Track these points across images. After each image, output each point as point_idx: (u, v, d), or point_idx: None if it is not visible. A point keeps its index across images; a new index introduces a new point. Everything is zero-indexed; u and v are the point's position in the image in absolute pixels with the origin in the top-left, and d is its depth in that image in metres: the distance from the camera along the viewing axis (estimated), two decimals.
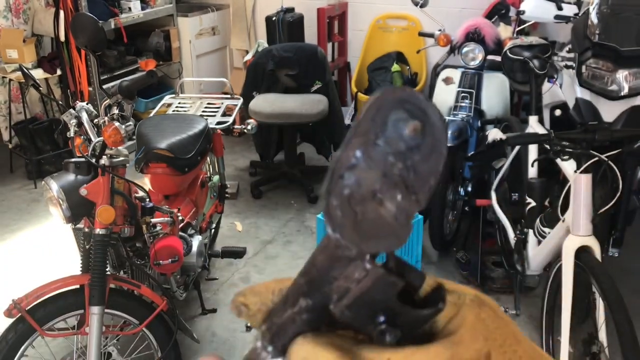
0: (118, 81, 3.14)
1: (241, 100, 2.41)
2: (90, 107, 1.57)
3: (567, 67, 2.01)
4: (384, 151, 0.22)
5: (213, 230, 2.34)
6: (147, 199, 1.66)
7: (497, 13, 2.90)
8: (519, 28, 2.67)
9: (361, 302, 0.22)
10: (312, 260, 0.24)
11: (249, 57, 3.43)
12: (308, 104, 2.90)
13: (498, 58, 2.33)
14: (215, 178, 2.34)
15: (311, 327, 0.24)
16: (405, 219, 0.22)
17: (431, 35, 2.56)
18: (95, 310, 1.46)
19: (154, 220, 1.69)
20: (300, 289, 0.24)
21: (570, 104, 1.98)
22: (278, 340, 0.24)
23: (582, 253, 1.53)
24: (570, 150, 1.56)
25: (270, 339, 0.25)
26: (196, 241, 1.90)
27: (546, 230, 1.78)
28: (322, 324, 0.24)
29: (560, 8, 2.34)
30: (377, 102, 0.22)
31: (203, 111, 2.31)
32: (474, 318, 0.23)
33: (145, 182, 1.94)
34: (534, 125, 1.96)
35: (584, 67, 1.89)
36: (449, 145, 2.25)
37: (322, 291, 0.23)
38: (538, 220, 1.84)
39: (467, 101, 2.39)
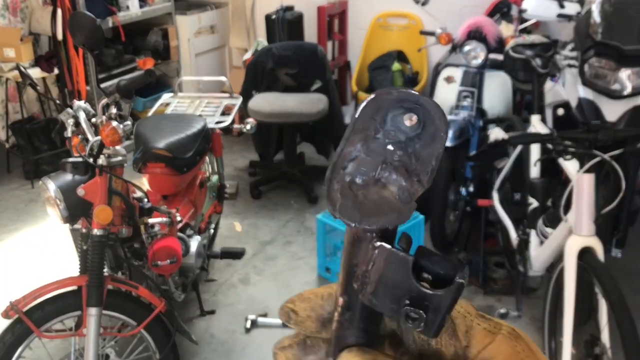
0: (116, 80, 3.14)
1: (240, 99, 2.39)
2: (87, 106, 1.56)
3: (569, 66, 2.00)
4: (384, 142, 0.23)
5: (212, 231, 2.32)
6: (145, 199, 1.64)
7: (499, 11, 2.89)
8: (521, 26, 2.66)
9: (382, 285, 0.23)
10: (343, 256, 0.25)
11: (248, 55, 3.41)
12: (308, 103, 2.89)
13: (500, 57, 2.32)
14: (214, 178, 2.32)
15: (355, 327, 0.25)
16: (407, 197, 0.23)
17: (432, 34, 2.54)
18: (92, 311, 1.44)
19: (152, 220, 1.68)
20: (339, 287, 0.25)
21: (573, 103, 1.97)
22: (332, 349, 0.26)
23: (585, 253, 1.52)
24: (573, 149, 1.55)
25: (327, 352, 0.27)
26: (195, 242, 1.89)
27: (548, 230, 1.77)
28: (366, 322, 0.25)
29: (562, 6, 2.33)
30: (375, 102, 0.24)
31: (202, 110, 2.29)
32: (510, 350, 0.23)
33: (144, 182, 1.92)
34: (536, 125, 1.95)
35: (586, 66, 1.88)
36: (450, 145, 2.23)
37: (352, 283, 0.24)
38: (540, 220, 1.83)
39: (468, 100, 2.38)
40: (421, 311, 0.22)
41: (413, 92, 0.24)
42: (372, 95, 0.24)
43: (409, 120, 0.23)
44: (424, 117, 0.23)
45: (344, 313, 0.25)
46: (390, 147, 0.23)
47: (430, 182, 0.23)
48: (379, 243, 0.23)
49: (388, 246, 0.23)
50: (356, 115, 0.24)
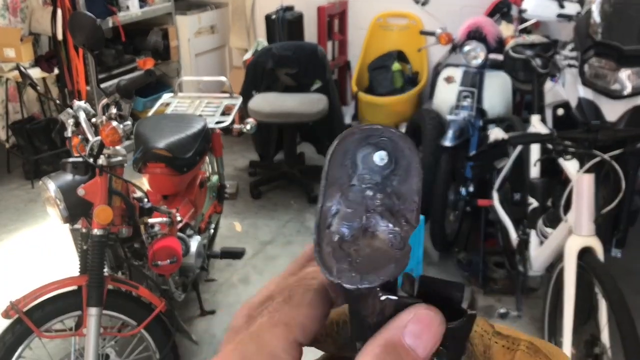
0: (116, 80, 3.14)
1: (240, 99, 2.39)
2: (88, 106, 1.56)
3: (569, 66, 2.00)
4: (361, 188, 0.23)
5: (212, 231, 2.32)
6: (146, 199, 1.64)
7: (499, 11, 2.89)
8: (521, 27, 2.66)
9: None
10: (348, 307, 0.25)
11: (248, 55, 3.41)
12: (308, 103, 2.89)
13: (500, 57, 2.32)
14: (214, 178, 2.32)
15: None
16: (400, 242, 0.22)
17: (432, 34, 2.54)
18: (93, 311, 1.45)
19: (152, 220, 1.68)
20: (352, 333, 0.25)
21: (573, 103, 1.97)
22: None
23: (585, 253, 1.52)
24: (573, 149, 1.55)
25: None
26: (195, 242, 1.89)
27: (548, 230, 1.77)
28: None
29: (562, 6, 2.33)
30: (341, 146, 0.23)
31: (202, 110, 2.29)
32: None
33: (144, 182, 1.92)
34: (536, 125, 1.95)
35: (586, 66, 1.88)
36: (450, 145, 2.23)
37: (365, 329, 0.24)
38: (540, 220, 1.83)
39: (468, 100, 2.38)
40: (441, 347, 0.22)
41: (376, 126, 0.23)
42: (336, 141, 0.23)
43: (379, 158, 0.23)
44: (393, 150, 0.23)
45: None
46: (368, 192, 0.23)
47: (418, 219, 0.23)
48: (384, 297, 0.22)
49: (394, 298, 0.22)
50: (326, 166, 0.23)
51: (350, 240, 0.23)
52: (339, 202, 0.23)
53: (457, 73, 2.48)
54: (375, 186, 0.23)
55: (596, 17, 1.89)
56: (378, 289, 0.22)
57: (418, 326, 0.21)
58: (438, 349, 0.22)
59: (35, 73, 3.08)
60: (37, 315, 1.45)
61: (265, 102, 2.91)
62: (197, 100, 2.40)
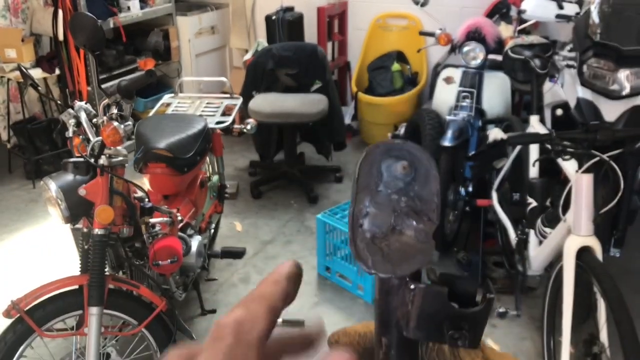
0: (117, 81, 3.14)
1: (241, 99, 2.40)
2: (89, 106, 1.56)
3: (568, 66, 2.00)
4: (387, 193, 0.26)
5: (212, 231, 2.33)
6: (146, 199, 1.65)
7: (498, 12, 2.89)
8: (520, 27, 2.66)
9: (424, 319, 0.25)
10: (376, 303, 0.28)
11: (248, 56, 3.42)
12: (308, 103, 2.89)
13: (499, 57, 2.32)
14: (215, 178, 2.33)
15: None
16: (425, 238, 0.25)
17: (432, 35, 2.55)
18: (94, 310, 1.45)
19: (153, 220, 1.69)
20: (378, 330, 0.28)
21: (572, 103, 1.97)
22: None
23: (584, 253, 1.52)
24: (572, 150, 1.55)
25: None
26: (195, 241, 1.89)
27: (547, 230, 1.77)
28: (407, 355, 0.28)
29: (561, 7, 2.33)
30: (368, 158, 0.27)
31: (202, 111, 2.30)
32: None
33: (144, 182, 1.93)
34: (535, 125, 1.96)
35: (585, 67, 1.89)
36: (449, 145, 2.24)
37: (392, 325, 0.27)
38: (539, 220, 1.83)
39: (467, 100, 2.38)
40: (464, 331, 0.25)
41: (397, 140, 0.27)
42: (364, 153, 0.27)
43: (402, 168, 0.26)
44: (412, 161, 0.26)
45: (388, 352, 0.27)
46: (394, 196, 0.26)
47: (439, 217, 0.26)
48: (413, 285, 0.25)
49: (423, 285, 0.25)
50: (356, 175, 0.27)
51: (381, 237, 0.26)
52: (368, 205, 0.26)
53: (456, 73, 2.48)
54: (400, 191, 0.26)
55: (595, 17, 1.90)
56: (408, 278, 0.25)
57: None
58: (461, 333, 0.25)
59: (37, 73, 3.09)
60: (38, 314, 1.46)
61: (266, 103, 2.92)
62: (198, 100, 2.41)
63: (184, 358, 0.23)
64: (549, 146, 1.60)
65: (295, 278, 0.26)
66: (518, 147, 2.07)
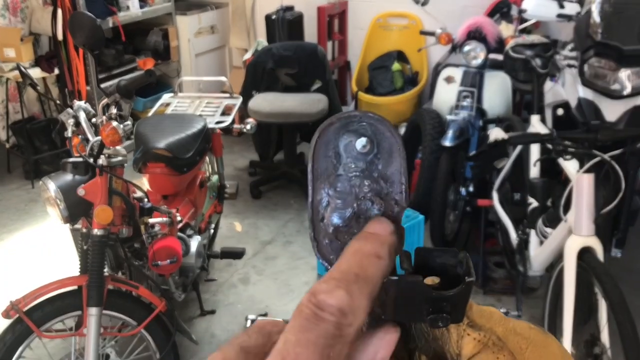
0: (116, 80, 3.13)
1: (240, 99, 2.39)
2: (88, 106, 1.56)
3: (569, 66, 2.00)
4: (348, 177, 0.23)
5: (212, 231, 2.32)
6: (146, 199, 1.64)
7: (498, 11, 2.89)
8: (521, 26, 2.66)
9: (401, 306, 0.23)
10: None
11: (248, 55, 3.42)
12: (308, 103, 2.89)
13: (500, 57, 2.32)
14: (215, 178, 2.32)
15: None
16: (393, 226, 0.23)
17: (432, 34, 2.54)
18: (93, 311, 1.45)
19: (152, 220, 1.68)
20: None
21: (573, 103, 1.97)
22: None
23: (585, 253, 1.52)
24: (573, 149, 1.55)
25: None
26: (195, 242, 1.89)
27: (548, 230, 1.77)
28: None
29: (562, 6, 2.33)
30: (322, 138, 0.24)
31: (202, 110, 2.29)
32: None
33: (144, 182, 1.92)
34: (536, 125, 1.95)
35: (586, 66, 1.88)
36: (450, 145, 2.23)
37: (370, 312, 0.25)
38: (540, 220, 1.83)
39: (468, 100, 2.38)
40: (444, 314, 0.23)
41: (354, 112, 0.23)
42: (317, 134, 0.24)
43: (361, 145, 0.23)
44: (373, 134, 0.23)
45: (370, 326, 0.25)
46: (355, 180, 0.23)
47: (407, 199, 0.23)
48: (385, 279, 0.23)
49: (394, 277, 0.23)
50: (310, 160, 0.24)
51: (344, 229, 0.23)
52: (328, 194, 0.23)
53: (457, 73, 2.48)
54: (362, 173, 0.23)
55: (596, 17, 1.89)
56: None
57: (386, 351, 0.21)
58: (441, 316, 0.23)
59: (36, 73, 3.08)
60: (37, 315, 1.45)
61: (265, 102, 2.91)
62: (197, 100, 2.40)
63: (276, 328, 0.21)
64: (550, 146, 1.59)
65: (396, 251, 0.22)
66: (519, 147, 2.06)
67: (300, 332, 0.19)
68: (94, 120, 1.53)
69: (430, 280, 0.24)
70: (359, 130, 0.23)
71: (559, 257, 1.64)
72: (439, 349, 0.25)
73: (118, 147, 1.50)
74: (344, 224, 0.23)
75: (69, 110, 1.53)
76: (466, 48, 2.42)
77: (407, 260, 0.24)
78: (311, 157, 0.24)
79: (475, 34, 2.43)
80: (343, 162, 0.23)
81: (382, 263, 0.21)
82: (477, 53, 2.41)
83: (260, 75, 3.06)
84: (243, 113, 2.83)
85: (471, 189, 2.34)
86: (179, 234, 1.83)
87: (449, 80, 2.51)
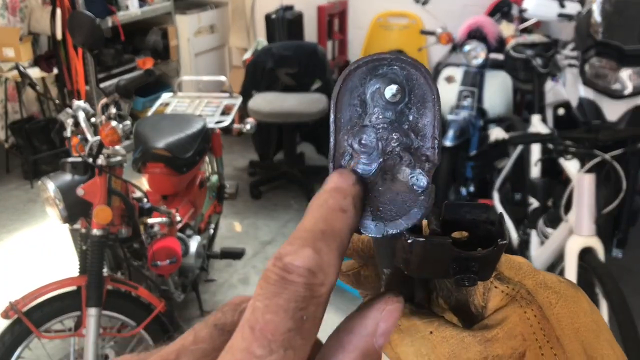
0: (115, 80, 3.13)
1: (240, 99, 2.38)
2: (87, 106, 1.55)
3: (570, 65, 1.99)
4: (374, 129, 0.21)
5: (212, 231, 2.32)
6: (145, 199, 1.64)
7: (499, 11, 2.88)
8: (522, 26, 2.65)
9: (427, 264, 0.22)
10: (372, 242, 0.24)
11: (248, 55, 3.41)
12: (308, 102, 2.88)
13: (500, 56, 2.32)
14: (214, 178, 2.32)
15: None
16: (424, 184, 0.21)
17: (433, 34, 2.54)
18: (92, 311, 1.44)
19: (151, 220, 1.67)
20: (378, 261, 0.25)
21: (574, 102, 1.96)
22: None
23: (586, 254, 1.51)
24: (574, 149, 1.54)
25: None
26: (194, 242, 1.88)
27: (549, 230, 1.76)
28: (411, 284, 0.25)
29: (563, 6, 2.32)
30: (346, 84, 0.21)
31: (202, 110, 2.29)
32: (517, 318, 0.22)
33: (143, 182, 1.92)
34: (536, 125, 1.95)
35: (587, 66, 1.87)
36: (450, 144, 2.23)
37: (391, 262, 0.23)
38: (541, 220, 1.82)
39: (469, 100, 2.37)
40: (472, 275, 0.21)
41: (383, 55, 0.21)
42: (341, 79, 0.21)
43: (390, 93, 0.21)
44: (405, 79, 0.21)
45: (390, 281, 0.24)
46: (383, 132, 0.21)
47: (439, 155, 0.21)
48: (410, 239, 0.21)
49: (421, 239, 0.21)
50: (333, 109, 0.22)
51: (369, 187, 0.21)
52: (351, 146, 0.21)
53: (457, 73, 2.48)
54: (390, 125, 0.21)
55: (597, 16, 1.88)
56: (405, 233, 0.21)
57: (388, 323, 0.20)
58: (468, 276, 0.21)
59: (35, 73, 3.08)
60: (36, 315, 1.45)
61: (265, 102, 2.90)
62: (197, 99, 2.40)
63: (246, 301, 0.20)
64: (550, 146, 1.59)
65: (361, 202, 0.21)
66: (519, 147, 2.06)
67: (268, 298, 0.18)
68: (93, 120, 1.52)
69: (459, 234, 0.23)
70: (389, 75, 0.21)
71: (559, 258, 1.64)
72: (462, 298, 0.24)
73: (117, 147, 1.49)
74: (367, 180, 0.21)
75: (68, 110, 1.52)
76: (467, 48, 2.42)
77: (436, 219, 0.23)
78: (334, 106, 0.22)
79: (475, 34, 2.42)
80: (369, 112, 0.21)
81: (348, 216, 0.20)
82: (477, 53, 2.41)
83: (260, 74, 3.05)
84: (243, 113, 2.83)
85: (472, 188, 2.34)
86: (179, 234, 1.82)
87: (449, 79, 2.51)
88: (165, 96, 2.44)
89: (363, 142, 0.21)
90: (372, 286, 0.26)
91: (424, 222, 0.23)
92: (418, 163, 0.21)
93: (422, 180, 0.21)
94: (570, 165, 1.63)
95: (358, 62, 0.21)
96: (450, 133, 2.25)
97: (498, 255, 0.22)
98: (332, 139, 0.22)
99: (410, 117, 0.21)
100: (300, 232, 0.20)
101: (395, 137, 0.21)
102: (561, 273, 1.58)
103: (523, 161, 2.02)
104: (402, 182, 0.21)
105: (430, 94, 0.21)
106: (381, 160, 0.21)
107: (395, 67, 0.21)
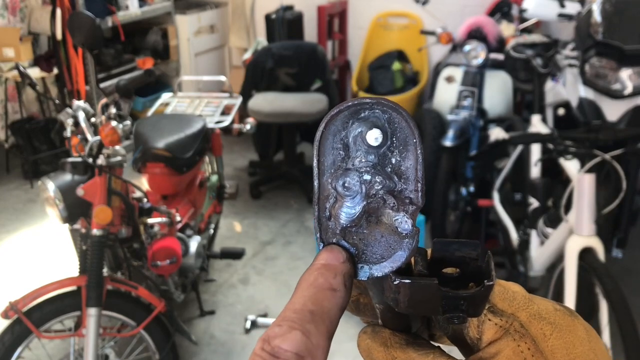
0: (115, 80, 3.13)
1: (240, 99, 2.38)
2: (87, 106, 1.55)
3: (570, 65, 1.99)
4: (357, 172, 0.21)
5: (212, 231, 2.32)
6: (145, 199, 1.64)
7: (499, 11, 2.88)
8: (522, 26, 2.65)
9: (415, 303, 0.22)
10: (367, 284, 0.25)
11: (248, 55, 3.41)
12: (308, 102, 2.88)
13: (500, 56, 2.31)
14: (214, 178, 2.32)
15: (385, 317, 0.25)
16: (408, 227, 0.21)
17: (433, 33, 2.54)
18: (92, 311, 1.44)
19: (151, 220, 1.67)
20: (373, 297, 0.25)
21: (574, 102, 1.96)
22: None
23: (586, 254, 1.51)
24: (574, 149, 1.54)
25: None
26: (194, 242, 1.88)
27: (549, 230, 1.76)
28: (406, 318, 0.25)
29: (563, 6, 2.32)
30: (329, 128, 0.21)
31: (201, 110, 2.29)
32: (510, 352, 0.22)
33: (143, 182, 1.92)
34: (536, 125, 1.95)
35: (587, 66, 1.87)
36: (450, 145, 2.23)
37: (382, 301, 0.24)
38: (541, 220, 1.82)
39: (469, 100, 2.37)
40: (461, 314, 0.22)
41: (364, 98, 0.21)
42: (323, 123, 0.21)
43: (373, 138, 0.21)
44: (387, 122, 0.21)
45: (384, 315, 0.25)
46: (366, 175, 0.21)
47: (423, 197, 0.21)
48: (397, 281, 0.21)
49: (407, 280, 0.21)
50: (315, 152, 0.22)
51: (353, 230, 0.21)
52: (335, 190, 0.21)
53: (457, 73, 2.47)
54: (373, 168, 0.21)
55: (597, 16, 1.88)
56: (391, 275, 0.21)
57: None
58: (457, 315, 0.22)
59: (35, 73, 3.08)
60: (36, 315, 1.44)
61: (265, 102, 2.90)
62: (197, 100, 2.40)
63: None
64: (550, 146, 1.59)
65: (351, 280, 0.21)
66: (519, 147, 2.06)
67: None
68: (93, 120, 1.52)
69: (452, 270, 0.23)
70: (371, 119, 0.21)
71: (559, 258, 1.64)
72: (458, 329, 0.24)
73: (117, 147, 1.49)
74: (352, 224, 0.21)
75: (68, 110, 1.52)
76: (467, 47, 2.41)
77: (423, 259, 0.23)
78: (316, 149, 0.22)
79: (475, 34, 2.42)
80: (352, 155, 0.21)
81: (338, 295, 0.20)
82: (477, 52, 2.41)
83: (260, 74, 3.05)
84: (243, 113, 2.83)
85: (472, 189, 2.33)
86: (179, 234, 1.82)
87: (449, 79, 2.51)
88: (165, 96, 2.44)
89: (347, 185, 0.21)
90: (372, 313, 0.27)
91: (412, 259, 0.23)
92: (402, 206, 0.21)
93: (406, 223, 0.21)
94: (570, 165, 1.63)
95: (340, 106, 0.22)
96: (450, 133, 2.25)
97: (486, 295, 0.22)
98: (315, 183, 0.22)
99: (393, 160, 0.21)
100: (289, 313, 0.19)
101: (378, 180, 0.21)
102: (561, 273, 1.57)
103: (523, 161, 2.02)
104: (386, 224, 0.21)
105: (412, 137, 0.21)
106: (365, 203, 0.21)
107: (377, 110, 0.21)
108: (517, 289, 0.24)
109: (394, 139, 0.21)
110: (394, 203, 0.21)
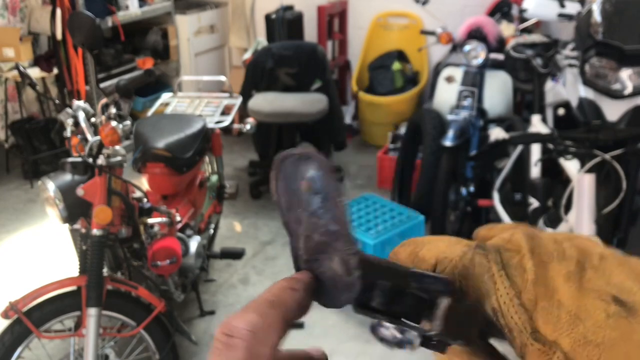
0: (115, 80, 3.13)
1: (240, 99, 2.38)
2: (87, 106, 1.55)
3: (570, 65, 1.99)
4: (308, 215, 0.24)
5: (212, 231, 2.32)
6: (145, 199, 1.64)
7: (499, 11, 2.88)
8: (522, 26, 2.65)
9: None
10: None
11: (248, 55, 3.41)
12: (308, 102, 2.88)
13: (500, 56, 2.31)
14: (214, 178, 2.32)
15: None
16: (345, 269, 0.23)
17: (433, 33, 2.54)
18: (92, 312, 1.44)
19: (151, 220, 1.67)
20: None
21: (574, 102, 1.96)
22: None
23: None
24: (574, 149, 1.54)
25: None
26: (194, 242, 1.88)
27: (549, 230, 1.76)
28: None
29: (563, 6, 2.32)
30: (279, 175, 0.25)
31: (201, 110, 2.29)
32: None
33: (143, 182, 1.92)
34: (536, 125, 1.94)
35: (587, 66, 1.87)
36: (450, 145, 2.23)
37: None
38: (541, 220, 1.82)
39: (469, 100, 2.37)
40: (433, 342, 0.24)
41: (295, 151, 0.24)
42: (274, 170, 0.24)
43: (305, 186, 0.23)
44: (311, 178, 0.24)
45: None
46: (313, 219, 0.24)
47: (355, 242, 0.23)
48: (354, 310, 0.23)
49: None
50: (275, 198, 0.24)
51: (313, 262, 0.24)
52: (297, 229, 0.24)
53: (457, 73, 2.47)
54: (316, 212, 0.23)
55: (597, 16, 1.88)
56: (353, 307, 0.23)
57: None
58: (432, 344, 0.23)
59: (35, 73, 3.08)
60: (36, 315, 1.44)
61: (265, 102, 2.90)
62: (197, 99, 2.39)
63: None
64: (551, 146, 1.59)
65: (312, 290, 0.24)
66: (519, 147, 2.06)
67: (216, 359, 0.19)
68: (93, 120, 1.52)
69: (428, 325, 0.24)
70: (300, 172, 0.24)
71: None
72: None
73: (117, 147, 1.49)
74: (312, 257, 0.24)
75: (68, 110, 1.52)
76: (467, 47, 2.41)
77: (380, 294, 0.24)
78: (274, 189, 0.25)
79: (475, 34, 2.42)
80: (301, 199, 0.24)
81: (297, 294, 0.22)
82: (477, 52, 2.41)
83: (260, 74, 3.05)
84: (243, 113, 2.83)
85: (472, 189, 2.33)
86: (179, 234, 1.82)
87: (449, 79, 2.51)
88: (165, 96, 2.44)
89: (305, 225, 0.24)
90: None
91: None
92: (340, 248, 0.23)
93: (346, 266, 0.23)
94: (570, 165, 1.63)
95: (283, 157, 0.25)
96: (450, 133, 2.25)
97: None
98: (282, 218, 0.25)
99: (329, 209, 0.23)
100: (250, 303, 0.22)
101: (321, 222, 0.23)
102: None
103: (523, 161, 2.02)
104: (335, 263, 0.23)
105: (332, 193, 0.23)
106: (317, 239, 0.23)
107: (302, 166, 0.24)
108: (564, 301, 0.21)
109: (322, 189, 0.23)
110: (334, 245, 0.23)
